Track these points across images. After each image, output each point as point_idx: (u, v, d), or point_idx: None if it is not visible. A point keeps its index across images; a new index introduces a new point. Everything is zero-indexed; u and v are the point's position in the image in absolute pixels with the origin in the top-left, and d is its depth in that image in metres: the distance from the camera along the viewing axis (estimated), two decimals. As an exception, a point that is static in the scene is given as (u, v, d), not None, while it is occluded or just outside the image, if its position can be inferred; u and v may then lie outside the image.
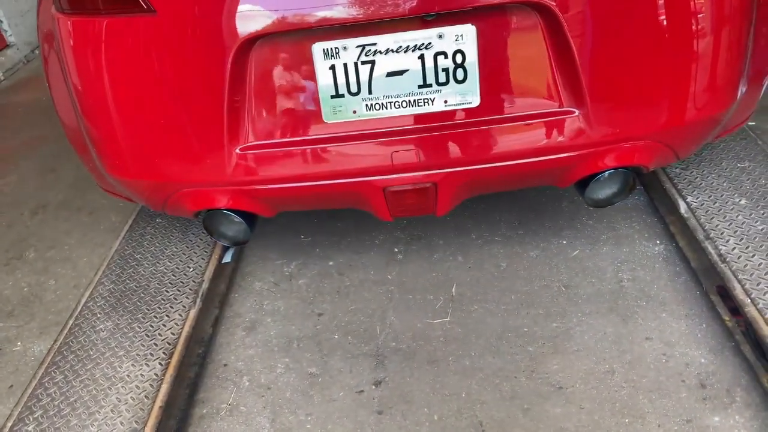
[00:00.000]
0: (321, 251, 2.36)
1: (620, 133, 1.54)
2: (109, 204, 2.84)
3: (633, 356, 1.79)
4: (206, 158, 1.56)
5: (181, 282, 2.05)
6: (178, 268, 2.11)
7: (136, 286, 2.06)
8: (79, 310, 2.01)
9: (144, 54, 1.50)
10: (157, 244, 2.23)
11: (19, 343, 2.15)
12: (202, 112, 1.51)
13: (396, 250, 2.31)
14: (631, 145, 1.57)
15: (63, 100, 1.86)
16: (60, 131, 3.61)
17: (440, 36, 1.44)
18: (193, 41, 1.45)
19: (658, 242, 2.15)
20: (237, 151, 1.55)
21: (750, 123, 2.51)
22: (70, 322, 1.96)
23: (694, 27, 1.48)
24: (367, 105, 1.51)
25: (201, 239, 2.25)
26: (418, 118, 1.53)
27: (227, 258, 2.27)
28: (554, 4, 1.39)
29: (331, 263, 2.29)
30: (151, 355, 1.78)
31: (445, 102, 1.51)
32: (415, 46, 1.45)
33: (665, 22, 1.46)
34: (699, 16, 1.47)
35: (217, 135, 1.52)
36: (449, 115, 1.52)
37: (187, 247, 2.21)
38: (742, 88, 1.67)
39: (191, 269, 2.09)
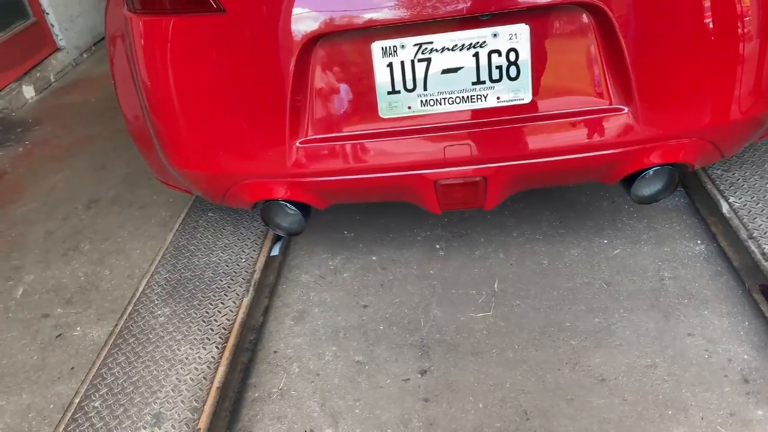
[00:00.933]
0: (364, 246, 2.43)
1: (667, 130, 1.59)
2: (159, 199, 2.96)
3: (675, 351, 1.82)
4: (267, 151, 1.64)
5: (234, 272, 2.14)
6: (231, 259, 2.20)
7: (191, 275, 2.16)
8: (137, 296, 2.10)
9: (212, 52, 1.59)
10: (210, 236, 2.33)
11: (78, 329, 2.26)
12: (265, 107, 1.60)
13: (438, 246, 2.37)
14: (677, 143, 1.61)
15: (128, 96, 1.97)
16: (109, 130, 3.77)
17: (495, 35, 1.51)
18: (259, 40, 1.54)
19: (699, 242, 2.18)
20: (297, 144, 1.64)
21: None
22: (129, 308, 2.06)
23: (740, 29, 1.52)
24: (422, 101, 1.58)
25: (252, 232, 2.34)
26: (471, 114, 1.59)
27: (275, 251, 2.35)
28: (605, 4, 1.45)
29: (374, 258, 2.36)
30: (208, 339, 1.87)
31: (498, 98, 1.57)
32: (470, 44, 1.52)
33: (712, 24, 1.50)
34: (746, 19, 1.52)
35: (279, 129, 1.61)
36: (501, 111, 1.58)
37: (239, 240, 2.29)
38: (787, 90, 1.70)
39: (243, 260, 2.18)
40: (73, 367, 2.09)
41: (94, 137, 3.72)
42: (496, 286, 2.15)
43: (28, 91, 4.38)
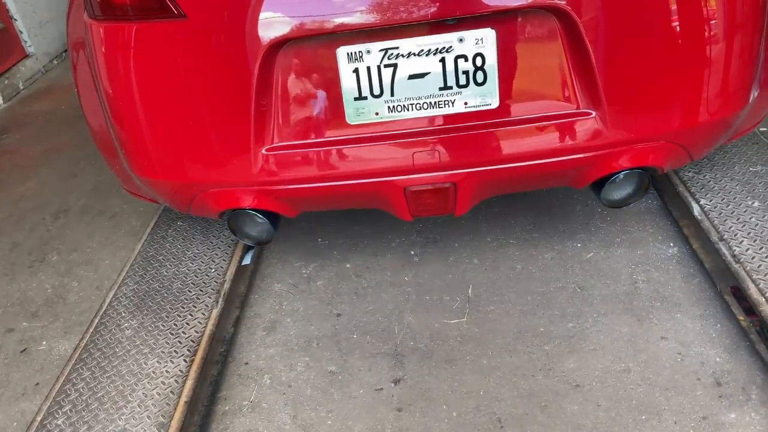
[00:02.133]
0: (338, 254, 2.40)
1: (636, 134, 1.58)
2: (129, 208, 2.90)
3: (648, 355, 1.81)
4: (233, 159, 1.61)
5: (203, 282, 2.09)
6: (200, 269, 2.15)
7: (159, 286, 2.11)
8: (104, 309, 2.05)
9: (174, 58, 1.56)
10: (179, 246, 2.28)
11: (44, 343, 2.20)
12: (229, 114, 1.57)
13: (412, 252, 2.35)
14: (646, 146, 1.61)
15: (92, 104, 1.92)
16: (80, 138, 3.69)
17: (461, 40, 1.49)
18: (221, 46, 1.51)
19: (671, 245, 2.18)
20: (263, 152, 1.60)
21: (761, 128, 2.55)
22: (96, 320, 2.01)
23: (707, 32, 1.52)
24: (389, 107, 1.56)
25: (222, 241, 2.30)
26: (439, 120, 1.57)
27: (247, 260, 2.31)
28: (572, 8, 1.44)
29: (348, 265, 2.33)
30: (176, 352, 1.82)
31: (465, 104, 1.55)
32: (437, 49, 1.50)
33: (680, 28, 1.50)
34: (712, 22, 1.52)
35: (244, 136, 1.57)
36: (469, 116, 1.56)
37: (209, 249, 2.25)
38: (754, 93, 1.71)
39: (213, 270, 2.14)
40: (38, 383, 2.03)
41: (64, 145, 3.65)
42: (470, 291, 2.13)
43: (-4, 99, 4.29)
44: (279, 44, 1.50)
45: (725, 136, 1.78)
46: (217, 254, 2.22)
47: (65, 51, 5.18)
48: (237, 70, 1.51)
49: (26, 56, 4.74)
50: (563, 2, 1.43)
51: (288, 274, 2.33)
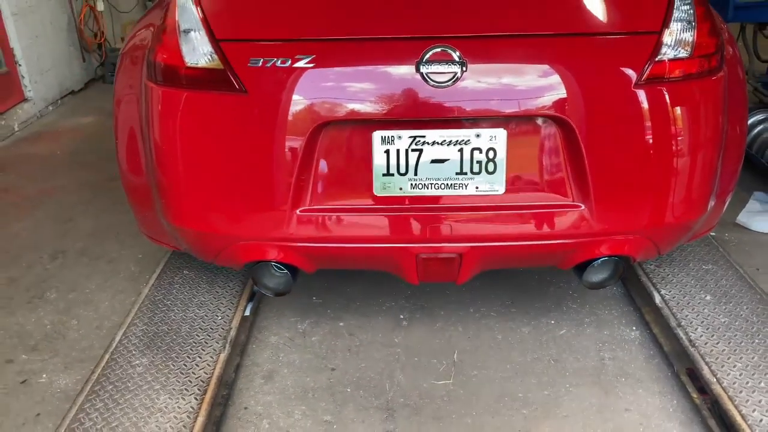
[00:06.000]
0: (332, 312, 2.58)
1: (616, 227, 1.87)
2: (128, 254, 3.03)
3: (615, 424, 2.03)
4: (270, 217, 1.82)
5: (210, 328, 2.24)
6: (207, 316, 2.30)
7: (167, 328, 2.24)
8: (114, 346, 2.17)
9: (228, 125, 1.79)
10: (186, 293, 2.43)
11: (44, 375, 2.27)
12: (272, 178, 1.79)
13: (401, 316, 2.55)
14: (623, 238, 1.90)
15: (129, 154, 2.12)
16: (75, 184, 3.82)
17: (478, 135, 1.78)
18: (273, 120, 1.75)
19: (634, 328, 2.45)
20: (297, 212, 1.82)
21: (712, 233, 2.90)
22: (106, 356, 2.12)
23: (676, 151, 1.85)
24: (411, 184, 1.81)
25: (227, 291, 2.46)
26: (453, 199, 1.83)
27: (246, 312, 2.47)
28: (571, 119, 1.75)
29: (341, 324, 2.51)
30: (187, 390, 1.95)
31: (477, 188, 1.82)
32: (457, 141, 1.78)
33: (655, 145, 1.82)
34: (680, 142, 1.84)
35: (283, 198, 1.79)
36: (478, 199, 1.83)
37: (215, 298, 2.41)
38: (711, 202, 2.04)
39: (219, 317, 2.29)
40: (38, 414, 2.10)
41: (59, 189, 3.76)
42: (455, 356, 2.33)
43: (-9, 138, 4.39)
44: (324, 124, 1.75)
45: (686, 237, 2.09)
46: (222, 303, 2.38)
47: (61, 98, 5.35)
48: (284, 143, 1.75)
49: (24, 100, 4.89)
50: (567, 115, 1.74)
51: (284, 328, 2.49)
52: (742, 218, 3.19)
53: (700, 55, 1.81)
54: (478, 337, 2.43)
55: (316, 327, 2.49)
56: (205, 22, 1.77)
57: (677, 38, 1.79)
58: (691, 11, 1.83)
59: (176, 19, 1.82)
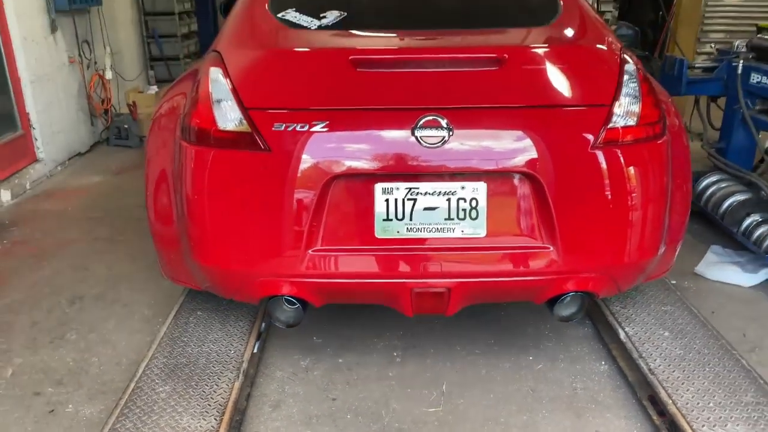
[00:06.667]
0: (331, 350, 2.84)
1: (580, 266, 2.20)
2: (141, 299, 3.28)
3: (586, 443, 2.30)
4: (286, 256, 2.13)
5: (225, 361, 2.49)
6: (221, 350, 2.56)
7: (186, 361, 2.49)
8: (138, 376, 2.41)
9: (252, 178, 2.12)
10: (201, 330, 2.69)
11: (70, 406, 2.50)
12: (289, 223, 2.11)
13: (395, 354, 2.82)
14: (587, 276, 2.22)
15: (159, 203, 2.43)
16: (87, 237, 4.11)
17: (462, 188, 2.12)
18: (291, 174, 2.08)
19: (603, 362, 2.74)
20: (309, 252, 2.14)
21: (672, 281, 3.25)
22: (132, 384, 2.36)
23: (628, 202, 2.20)
24: (407, 228, 2.14)
25: (238, 329, 2.72)
26: (442, 241, 2.16)
27: (255, 349, 2.73)
28: (540, 176, 2.11)
29: (340, 360, 2.78)
30: (207, 412, 2.19)
31: (462, 231, 2.15)
32: (445, 192, 2.12)
33: (610, 198, 2.18)
34: (632, 197, 2.20)
35: (298, 240, 2.11)
36: (464, 241, 2.16)
37: (227, 335, 2.67)
38: (662, 248, 2.39)
39: (232, 351, 2.55)
40: (67, 439, 2.32)
41: (72, 241, 4.03)
42: (444, 387, 2.60)
43: (5, 195, 4.67)
44: (335, 177, 2.09)
45: (642, 276, 2.43)
46: (234, 340, 2.64)
47: (69, 159, 5.68)
48: (301, 193, 2.08)
49: (36, 160, 5.20)
50: (536, 171, 2.10)
51: (288, 364, 2.75)
52: (700, 268, 3.54)
53: (645, 123, 2.20)
54: (464, 371, 2.70)
55: (318, 363, 2.75)
56: (235, 92, 2.13)
57: (626, 110, 2.18)
58: (637, 87, 2.23)
59: (209, 90, 2.18)
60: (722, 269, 3.52)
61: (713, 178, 4.06)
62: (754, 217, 3.59)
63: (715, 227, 3.98)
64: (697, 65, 4.42)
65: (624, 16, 8.54)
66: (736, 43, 4.29)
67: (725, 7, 8.40)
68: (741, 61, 3.97)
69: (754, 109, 3.97)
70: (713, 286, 3.41)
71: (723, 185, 3.96)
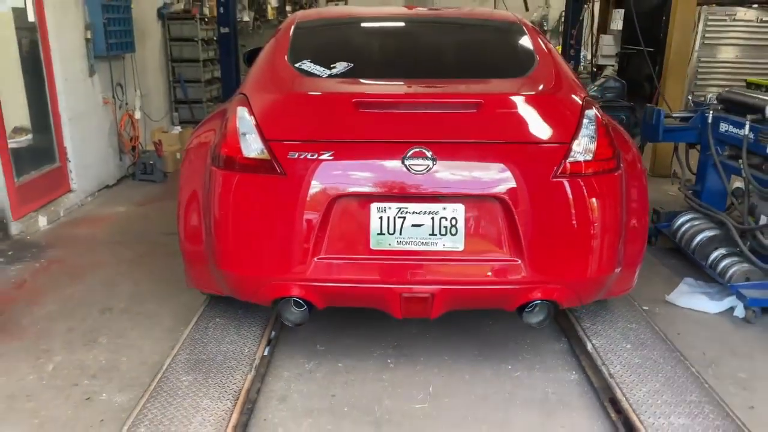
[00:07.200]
0: (332, 356, 3.20)
1: (545, 277, 2.58)
2: (164, 311, 3.67)
3: (552, 436, 2.64)
4: (296, 262, 2.53)
5: (239, 358, 2.87)
6: (236, 350, 2.94)
7: (206, 357, 2.87)
8: (164, 368, 2.79)
9: (269, 197, 2.54)
10: (219, 334, 3.07)
11: (104, 395, 2.87)
12: (299, 235, 2.52)
13: (389, 361, 3.18)
14: (551, 286, 2.60)
15: (190, 224, 2.86)
16: (115, 259, 4.55)
17: (444, 208, 2.54)
18: (302, 194, 2.51)
19: (573, 372, 3.08)
20: (315, 260, 2.54)
21: (645, 307, 3.60)
22: (159, 374, 2.74)
23: (584, 224, 2.59)
24: (398, 241, 2.55)
25: (251, 334, 3.10)
26: (427, 253, 2.56)
27: (265, 352, 3.10)
28: (509, 199, 2.52)
29: (340, 365, 3.14)
30: (223, 397, 2.56)
31: (444, 245, 2.56)
32: (429, 212, 2.54)
33: (569, 220, 2.58)
34: (588, 219, 2.59)
35: (305, 249, 2.52)
36: (445, 253, 2.56)
37: (241, 338, 3.05)
38: (618, 268, 2.76)
39: (246, 351, 2.93)
40: (102, 420, 2.69)
41: (103, 263, 4.45)
42: (431, 389, 2.95)
43: (42, 221, 5.13)
44: (337, 197, 2.52)
45: (602, 291, 2.80)
46: (248, 342, 3.02)
47: (98, 191, 6.15)
48: (309, 210, 2.50)
49: (70, 191, 5.68)
50: (505, 196, 2.51)
51: (294, 366, 3.11)
52: (672, 297, 3.88)
53: (600, 159, 2.61)
54: (450, 376, 3.05)
55: (320, 366, 3.12)
56: (258, 127, 2.58)
57: (583, 147, 2.60)
58: (595, 129, 2.65)
59: (236, 125, 2.63)
60: (692, 297, 3.86)
61: (687, 217, 4.44)
62: (720, 251, 3.95)
63: (690, 263, 4.33)
64: (674, 115, 4.86)
65: (624, 69, 9.04)
66: (709, 95, 4.74)
67: (719, 64, 8.97)
68: (711, 112, 4.40)
69: (723, 154, 4.37)
70: (682, 312, 3.75)
71: (696, 223, 4.33)
